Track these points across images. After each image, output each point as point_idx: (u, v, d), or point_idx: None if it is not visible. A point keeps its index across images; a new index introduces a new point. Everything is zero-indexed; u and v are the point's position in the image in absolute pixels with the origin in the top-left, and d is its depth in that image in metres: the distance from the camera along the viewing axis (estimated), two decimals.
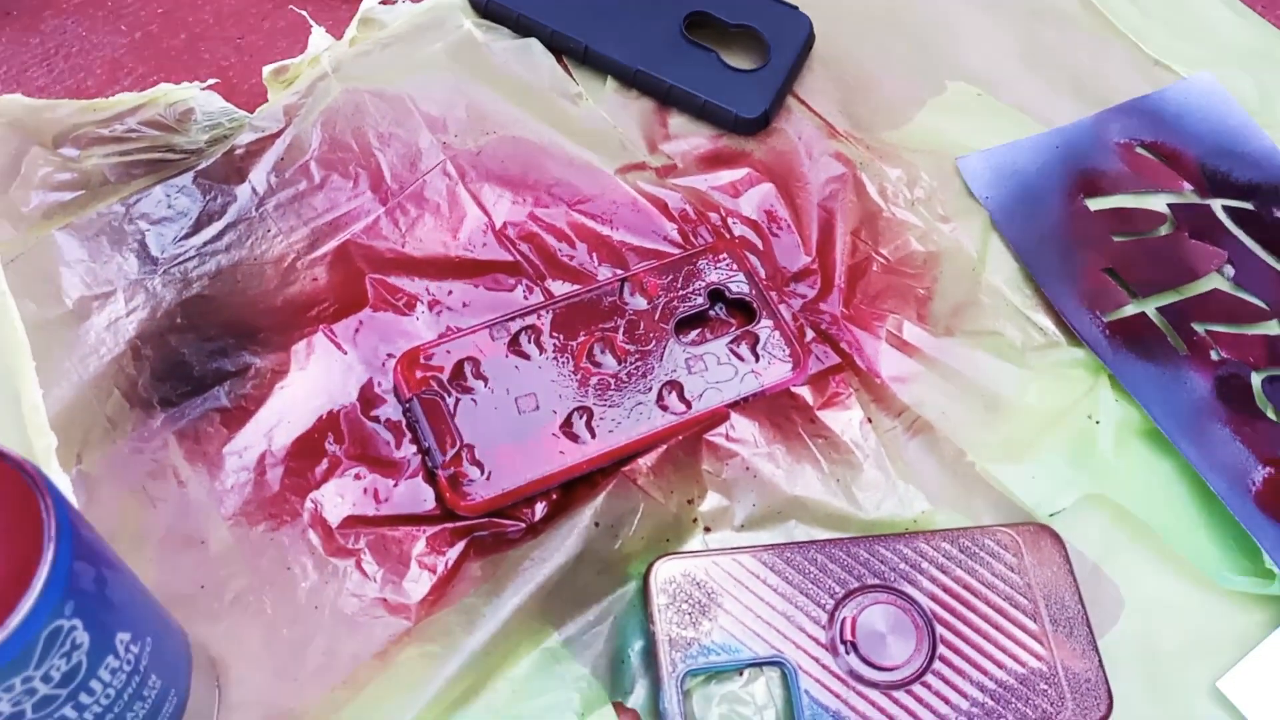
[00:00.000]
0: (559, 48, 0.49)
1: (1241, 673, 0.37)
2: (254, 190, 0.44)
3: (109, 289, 0.42)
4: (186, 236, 0.43)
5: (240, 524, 0.38)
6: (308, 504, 0.38)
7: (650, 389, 0.41)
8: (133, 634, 0.27)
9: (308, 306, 0.42)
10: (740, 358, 0.42)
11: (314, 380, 0.40)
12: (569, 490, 0.39)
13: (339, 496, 0.38)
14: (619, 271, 0.43)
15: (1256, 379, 0.43)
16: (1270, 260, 0.46)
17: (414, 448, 0.40)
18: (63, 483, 0.38)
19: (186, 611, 0.36)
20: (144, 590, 0.30)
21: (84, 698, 0.26)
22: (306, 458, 0.39)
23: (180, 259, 0.42)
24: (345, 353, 0.41)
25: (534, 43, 0.48)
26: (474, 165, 0.45)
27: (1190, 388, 0.42)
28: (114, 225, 0.43)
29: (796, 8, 0.49)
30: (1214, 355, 0.43)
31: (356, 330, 0.41)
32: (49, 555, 0.24)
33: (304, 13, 0.50)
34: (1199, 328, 0.44)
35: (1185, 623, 0.38)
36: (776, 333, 0.42)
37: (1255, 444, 0.41)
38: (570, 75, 0.48)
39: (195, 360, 0.40)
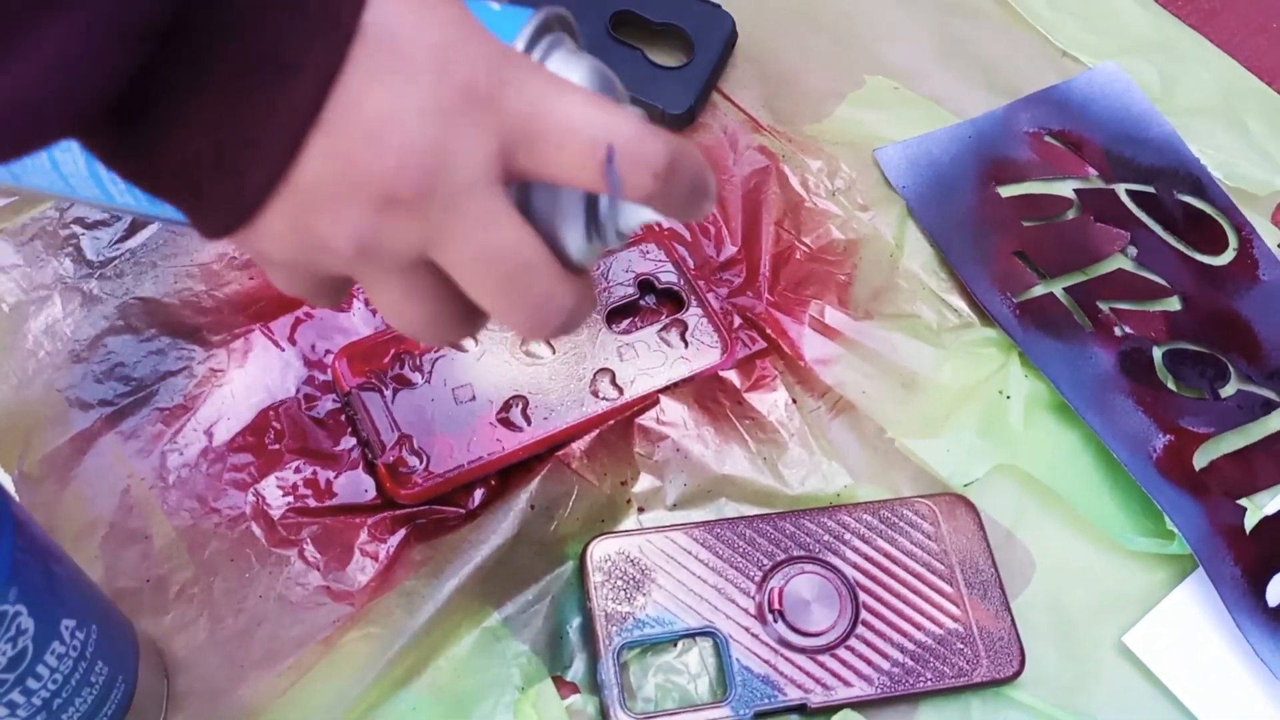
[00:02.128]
0: None
1: (1145, 628, 0.39)
2: None
3: (45, 293, 0.42)
4: (122, 240, 0.43)
5: (184, 518, 0.39)
6: (250, 497, 0.39)
7: (583, 377, 0.42)
8: (78, 620, 0.28)
9: (245, 305, 0.42)
10: (670, 344, 0.43)
11: (253, 377, 0.41)
12: (506, 476, 0.40)
13: (280, 489, 0.39)
14: None
15: (1158, 352, 0.45)
16: (1171, 240, 0.48)
17: (354, 440, 0.41)
18: (5, 484, 0.38)
19: (133, 605, 0.36)
20: (88, 581, 0.31)
21: (31, 682, 0.27)
22: (247, 452, 0.40)
23: (116, 262, 0.43)
24: (283, 349, 0.42)
25: None
26: None
27: (1095, 362, 0.44)
28: (49, 230, 0.43)
29: (719, 6, 0.51)
30: (1118, 331, 0.45)
31: (294, 327, 0.42)
32: None
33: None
34: (1104, 306, 0.46)
35: (1092, 583, 0.40)
36: (705, 320, 0.44)
37: (1156, 413, 0.43)
38: None
39: (134, 361, 0.41)
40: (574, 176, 0.24)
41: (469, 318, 0.27)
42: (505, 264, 0.24)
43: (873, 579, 0.39)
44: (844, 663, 0.37)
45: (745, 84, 0.51)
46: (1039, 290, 0.46)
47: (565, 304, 0.25)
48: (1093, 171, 0.50)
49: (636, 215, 0.25)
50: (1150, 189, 0.49)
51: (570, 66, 0.26)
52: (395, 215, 0.23)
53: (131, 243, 0.43)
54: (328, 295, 0.28)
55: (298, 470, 0.40)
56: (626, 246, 0.45)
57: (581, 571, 0.38)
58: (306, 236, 0.24)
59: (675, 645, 0.38)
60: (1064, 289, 0.46)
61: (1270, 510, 0.42)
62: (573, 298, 0.26)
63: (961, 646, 0.38)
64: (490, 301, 0.25)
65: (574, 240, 0.26)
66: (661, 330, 0.43)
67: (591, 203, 0.25)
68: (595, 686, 0.37)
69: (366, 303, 0.43)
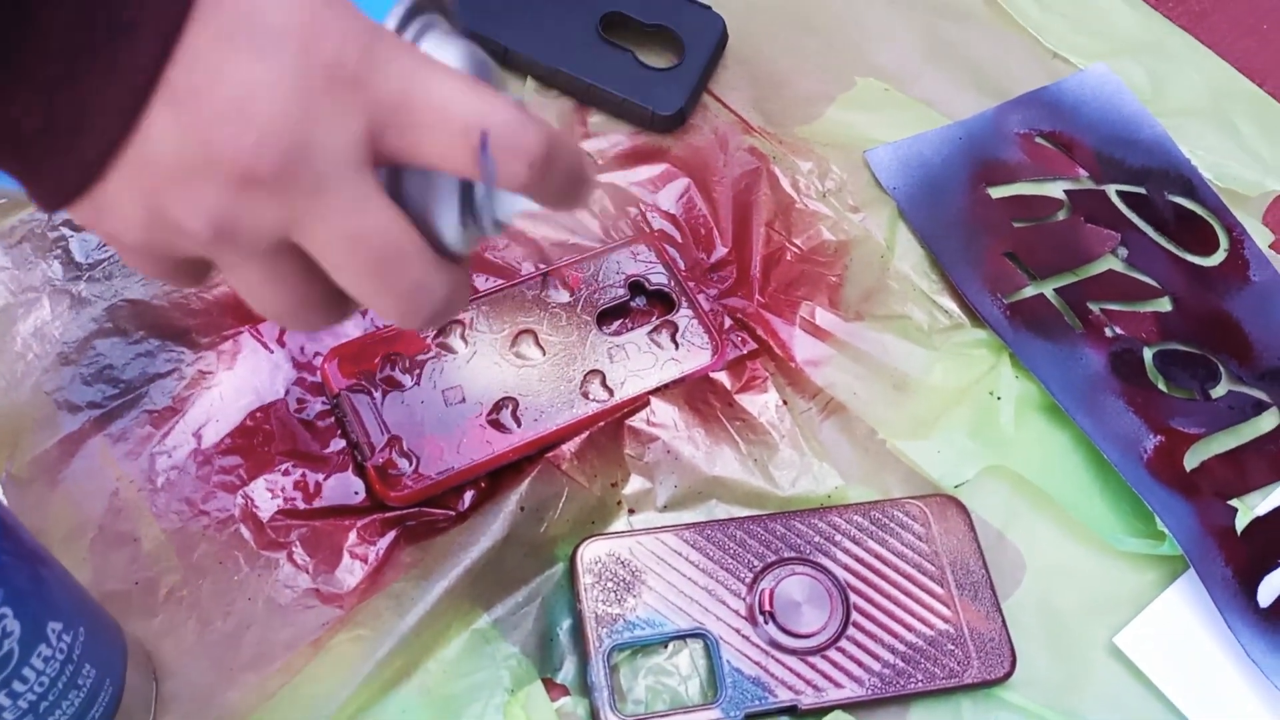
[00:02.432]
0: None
1: (1136, 629, 0.39)
2: None
3: (34, 296, 0.42)
4: None
5: (172, 521, 0.38)
6: (239, 499, 0.39)
7: (574, 378, 0.42)
8: (64, 623, 0.28)
9: (233, 307, 0.42)
10: (660, 346, 0.43)
11: (242, 379, 0.41)
12: (496, 478, 0.40)
13: (269, 491, 0.39)
14: (542, 266, 0.45)
15: (1148, 353, 0.45)
16: (1161, 241, 0.48)
17: (343, 442, 0.41)
18: None
19: (121, 608, 0.36)
20: (76, 584, 0.31)
21: (17, 685, 0.27)
22: (236, 454, 0.40)
23: (104, 264, 0.43)
24: (272, 352, 0.42)
25: None
26: None
27: (1086, 363, 0.44)
28: (37, 232, 0.43)
29: (710, 7, 0.51)
30: (1108, 332, 0.45)
31: (283, 329, 0.42)
32: None
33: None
34: (1094, 307, 0.46)
35: (1083, 584, 0.40)
36: (695, 321, 0.44)
37: (1147, 414, 0.43)
38: None
39: (123, 363, 0.41)
40: (446, 162, 0.23)
41: (336, 304, 0.25)
42: (374, 249, 0.23)
43: (864, 580, 0.39)
44: (835, 664, 0.37)
45: (736, 85, 0.51)
46: (1029, 291, 0.46)
47: (438, 293, 0.24)
48: (1083, 173, 0.50)
49: (513, 204, 0.24)
50: (1141, 190, 0.49)
51: (444, 49, 0.25)
52: (255, 196, 0.22)
53: None
54: (187, 278, 0.26)
55: (287, 473, 0.40)
56: (616, 248, 0.45)
57: (572, 573, 0.38)
58: (158, 217, 0.22)
59: (666, 647, 0.38)
60: (1054, 290, 0.46)
61: (1261, 511, 0.42)
62: (446, 287, 0.25)
63: (952, 647, 0.38)
64: (358, 288, 0.24)
65: (448, 227, 0.25)
66: (652, 332, 0.43)
67: (466, 189, 0.24)
68: (585, 688, 0.36)
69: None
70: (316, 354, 0.42)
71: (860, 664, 0.37)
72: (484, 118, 0.23)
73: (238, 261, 0.24)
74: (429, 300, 0.24)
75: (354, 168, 0.23)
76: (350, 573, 0.38)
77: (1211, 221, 0.49)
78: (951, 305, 0.46)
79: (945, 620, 0.38)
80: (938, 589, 0.39)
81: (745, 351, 0.44)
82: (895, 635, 0.38)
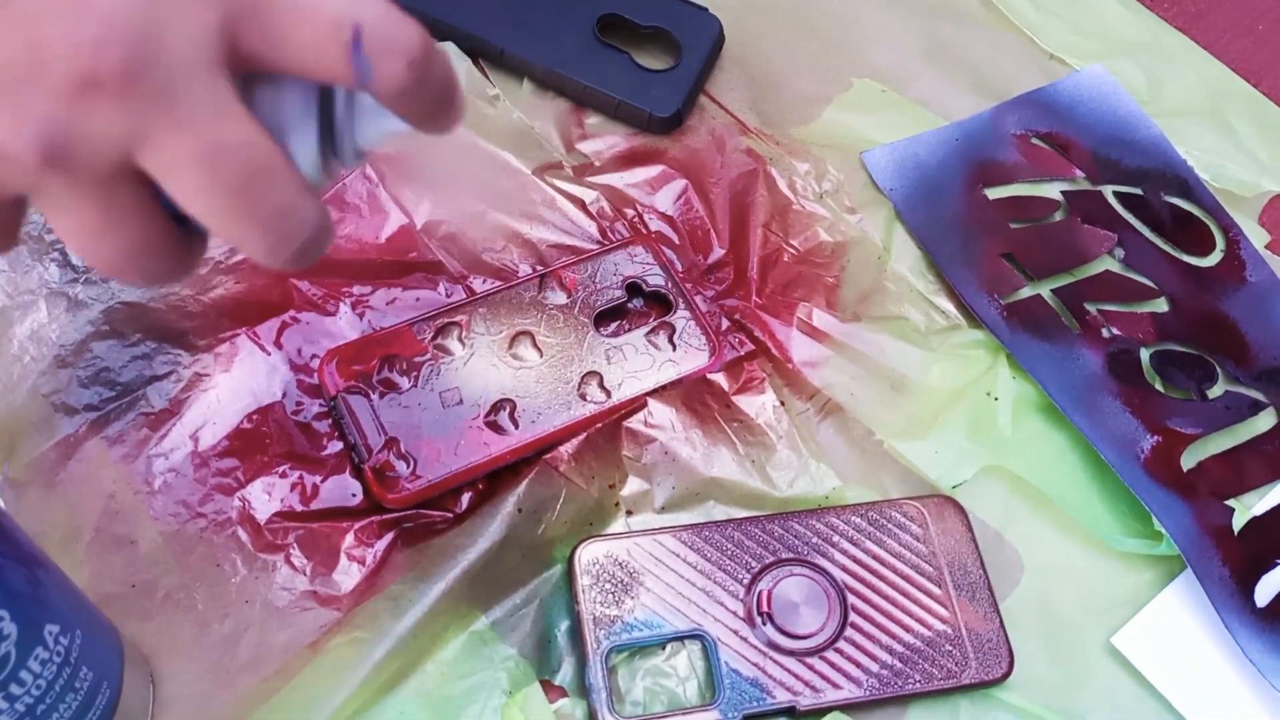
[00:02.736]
0: (475, 50, 0.50)
1: (1134, 629, 0.39)
2: None
3: (30, 299, 0.42)
4: None
5: (169, 524, 0.38)
6: (235, 502, 0.39)
7: (571, 380, 0.42)
8: (61, 626, 0.28)
9: (231, 309, 0.42)
10: (658, 347, 0.43)
11: (239, 381, 0.41)
12: (494, 480, 0.40)
13: (266, 494, 0.39)
14: (539, 268, 0.45)
15: (1145, 354, 0.45)
16: (1158, 242, 0.48)
17: (340, 444, 0.40)
18: None
19: (118, 610, 0.36)
20: (73, 587, 0.31)
21: (14, 688, 0.27)
22: (233, 457, 0.40)
23: None
24: (269, 354, 0.42)
25: (450, 46, 0.49)
26: (394, 168, 0.46)
27: (1083, 364, 0.44)
28: (33, 235, 0.43)
29: (706, 9, 0.51)
30: (1105, 333, 0.45)
31: (280, 331, 0.42)
32: None
33: None
34: (1091, 307, 0.46)
35: (1081, 584, 0.40)
36: (692, 322, 0.44)
37: (1144, 414, 0.43)
38: (487, 78, 0.50)
39: (119, 366, 0.41)
40: (313, 60, 0.20)
41: (183, 245, 0.22)
42: (235, 166, 0.20)
43: (861, 581, 0.39)
44: (833, 665, 0.37)
45: (732, 87, 0.51)
46: (1026, 292, 0.46)
47: (309, 218, 0.21)
48: (1080, 173, 0.50)
49: (379, 123, 0.21)
50: (1137, 191, 0.50)
51: None
52: (94, 105, 0.18)
53: None
54: None
55: (284, 475, 0.40)
56: (613, 249, 0.45)
57: (569, 575, 0.38)
58: None
59: (664, 648, 0.38)
60: (1051, 291, 0.46)
61: (1258, 511, 0.42)
62: (317, 213, 0.21)
63: (950, 648, 0.38)
64: (217, 213, 0.20)
65: (305, 152, 0.22)
66: (649, 333, 0.43)
67: (326, 107, 0.21)
68: (583, 690, 0.36)
69: (354, 306, 0.43)
70: (314, 356, 0.42)
71: (858, 665, 0.37)
72: (354, 10, 0.20)
73: (67, 195, 0.20)
74: (300, 228, 0.21)
75: (210, 69, 0.19)
76: (348, 575, 0.38)
77: (1208, 222, 0.49)
78: (948, 306, 0.46)
79: (943, 621, 0.38)
80: (935, 589, 0.39)
81: (742, 353, 0.44)
82: (893, 636, 0.38)
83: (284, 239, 0.21)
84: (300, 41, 0.20)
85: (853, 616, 0.38)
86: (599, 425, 0.41)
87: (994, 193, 0.49)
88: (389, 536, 0.39)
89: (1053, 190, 0.49)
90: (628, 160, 0.48)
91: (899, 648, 0.38)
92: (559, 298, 0.44)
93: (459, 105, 0.22)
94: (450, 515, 0.39)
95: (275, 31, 0.20)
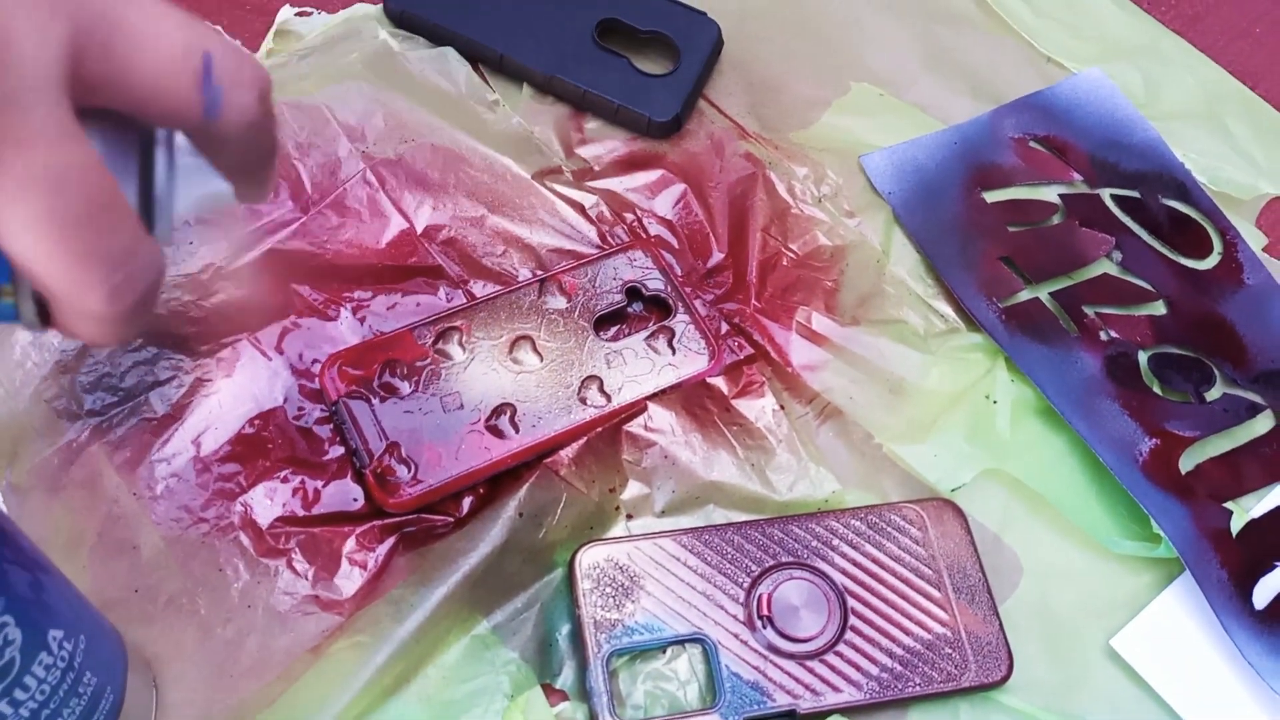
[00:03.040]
0: (475, 56, 0.50)
1: (1133, 631, 0.40)
2: None
3: None
4: None
5: (172, 529, 0.39)
6: (237, 506, 0.39)
7: (571, 384, 0.42)
8: (65, 631, 0.28)
9: (232, 316, 0.42)
10: (657, 352, 0.43)
11: (240, 386, 0.41)
12: (494, 484, 0.40)
13: (268, 498, 0.39)
14: (539, 272, 0.45)
15: (1143, 356, 0.45)
16: (1156, 245, 0.48)
17: (342, 449, 0.41)
18: None
19: (121, 615, 0.36)
20: (76, 592, 0.31)
21: (19, 694, 0.27)
22: (235, 462, 0.40)
23: None
24: (270, 359, 0.42)
25: (450, 51, 0.49)
26: (394, 173, 0.46)
27: (1081, 367, 0.44)
28: None
29: (705, 14, 0.51)
30: (1103, 336, 0.45)
31: (281, 337, 0.42)
32: None
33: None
34: (1089, 310, 0.46)
35: (1080, 586, 0.40)
36: (692, 327, 0.44)
37: (1142, 417, 0.43)
38: (486, 83, 0.50)
39: (121, 371, 0.41)
40: (160, 88, 0.19)
41: None
42: (78, 198, 0.17)
43: (861, 584, 0.39)
44: (833, 668, 0.37)
45: (731, 91, 0.51)
46: (1025, 295, 0.46)
47: (154, 263, 0.19)
48: (1078, 177, 0.50)
49: (201, 184, 0.20)
50: (1135, 194, 0.50)
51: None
52: None
53: None
54: None
55: (285, 480, 0.40)
56: (613, 254, 0.45)
57: (570, 579, 0.38)
58: None
59: (664, 652, 0.38)
60: (1050, 294, 0.46)
61: (1256, 513, 0.42)
62: (158, 259, 0.19)
63: (950, 651, 0.38)
64: (48, 251, 0.17)
65: None
66: (649, 337, 0.43)
67: (146, 165, 0.20)
68: (584, 694, 0.37)
69: (355, 311, 0.43)
70: (315, 361, 0.42)
71: (858, 668, 0.37)
72: (205, 41, 0.19)
73: None
74: (142, 274, 0.19)
75: (54, 90, 0.17)
76: (349, 579, 0.38)
77: (1205, 225, 0.49)
78: (947, 309, 0.46)
79: (942, 624, 0.38)
80: (935, 593, 0.39)
81: (742, 356, 0.44)
82: (893, 639, 0.38)
83: (126, 283, 0.19)
84: (148, 67, 0.19)
85: (853, 620, 0.38)
86: (599, 429, 0.41)
87: (992, 196, 0.49)
88: (390, 541, 0.39)
89: (1051, 193, 0.49)
90: (627, 165, 0.48)
91: (899, 651, 0.38)
92: (559, 302, 0.44)
93: (276, 170, 0.22)
94: (451, 519, 0.40)
95: (122, 54, 0.18)
